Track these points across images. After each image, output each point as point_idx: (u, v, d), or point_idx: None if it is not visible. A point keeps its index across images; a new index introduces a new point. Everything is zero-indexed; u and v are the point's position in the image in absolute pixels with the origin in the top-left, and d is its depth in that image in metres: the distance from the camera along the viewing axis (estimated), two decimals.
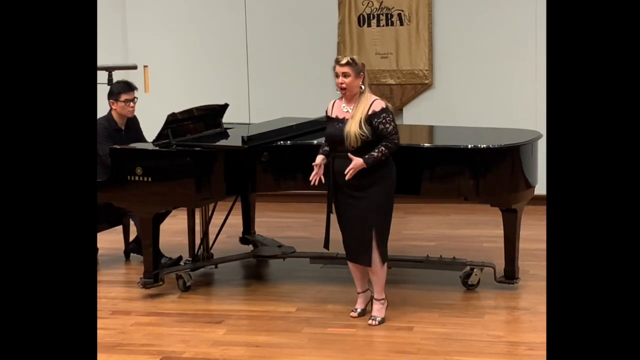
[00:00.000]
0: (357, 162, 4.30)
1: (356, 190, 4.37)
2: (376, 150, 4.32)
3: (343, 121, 4.39)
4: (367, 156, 4.31)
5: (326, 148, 4.53)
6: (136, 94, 5.58)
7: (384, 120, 4.34)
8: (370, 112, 4.34)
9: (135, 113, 5.79)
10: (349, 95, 4.40)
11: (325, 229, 4.58)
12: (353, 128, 4.30)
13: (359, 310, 4.62)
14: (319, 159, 4.51)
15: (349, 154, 4.32)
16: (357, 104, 4.38)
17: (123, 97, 5.48)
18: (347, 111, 4.40)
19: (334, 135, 4.41)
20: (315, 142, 4.91)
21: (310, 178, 4.51)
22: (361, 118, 4.32)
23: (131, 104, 5.52)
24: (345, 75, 4.36)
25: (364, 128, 4.30)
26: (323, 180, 4.49)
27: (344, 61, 4.39)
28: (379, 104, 4.37)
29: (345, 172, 4.31)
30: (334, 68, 4.41)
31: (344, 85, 4.37)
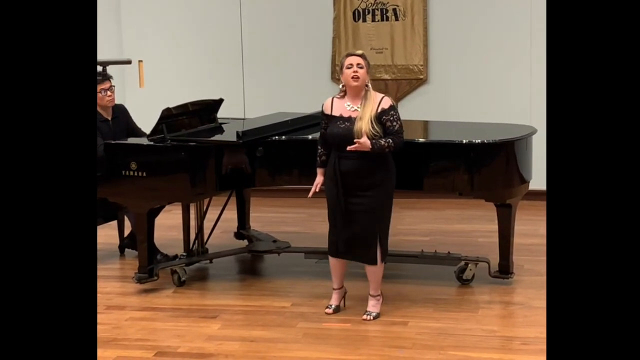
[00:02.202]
0: (366, 142, 4.23)
1: (363, 189, 4.35)
2: (384, 140, 4.29)
3: (349, 120, 4.34)
4: (374, 140, 4.27)
5: (323, 155, 4.49)
6: (112, 82, 5.54)
7: (392, 118, 4.33)
8: (379, 110, 4.32)
9: (130, 107, 5.78)
10: (359, 87, 4.35)
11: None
12: (365, 128, 4.26)
13: (333, 306, 4.62)
14: (320, 177, 4.51)
15: (364, 136, 4.24)
16: (364, 102, 4.34)
17: (98, 88, 5.45)
18: (355, 109, 4.36)
19: (342, 135, 4.33)
20: (310, 137, 4.90)
21: (309, 195, 4.52)
22: (371, 117, 4.29)
23: (108, 92, 5.48)
24: (359, 65, 4.32)
25: (375, 127, 4.28)
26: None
27: (359, 52, 4.39)
28: (387, 102, 4.37)
29: (352, 146, 4.24)
30: (344, 61, 4.35)
31: (357, 75, 4.30)
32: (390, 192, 4.45)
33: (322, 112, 4.50)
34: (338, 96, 4.47)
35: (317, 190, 4.53)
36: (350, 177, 4.35)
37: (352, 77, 4.32)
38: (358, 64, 4.32)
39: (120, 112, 5.64)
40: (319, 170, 4.53)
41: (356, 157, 4.32)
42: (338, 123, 4.38)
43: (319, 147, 4.53)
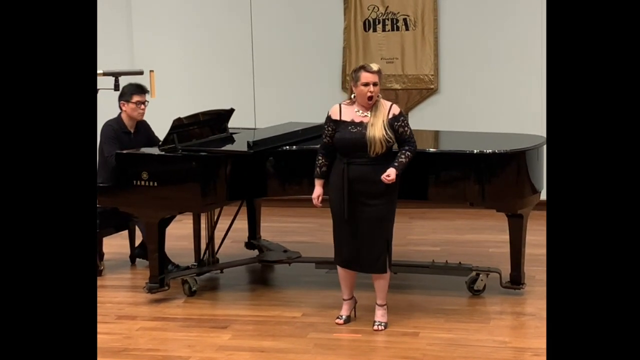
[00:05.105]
0: (391, 172, 4.27)
1: (372, 197, 4.34)
2: (403, 156, 4.34)
3: (361, 125, 4.34)
4: (396, 164, 4.31)
5: (324, 166, 4.46)
6: (147, 97, 5.59)
7: (403, 124, 4.37)
8: (391, 116, 4.34)
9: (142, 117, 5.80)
10: (372, 103, 4.37)
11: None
12: (378, 133, 4.27)
13: (344, 317, 4.61)
14: (319, 189, 4.48)
15: (383, 177, 4.26)
16: (375, 109, 4.35)
17: (135, 98, 5.50)
18: (365, 115, 4.37)
19: (353, 140, 4.32)
20: None
21: (315, 204, 4.51)
22: (384, 122, 4.30)
23: (142, 106, 5.54)
24: (375, 84, 4.32)
25: (389, 132, 4.29)
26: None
27: (375, 68, 4.35)
28: (397, 108, 4.41)
29: (384, 179, 4.26)
30: (360, 76, 4.32)
31: (373, 95, 4.32)
32: (395, 200, 4.44)
33: (328, 118, 4.46)
34: (345, 103, 4.47)
35: (320, 204, 4.50)
36: (359, 184, 4.34)
37: (368, 97, 4.33)
38: (374, 83, 4.32)
39: (143, 127, 5.66)
40: (318, 182, 4.50)
41: (366, 163, 4.32)
42: (349, 128, 4.37)
43: (320, 158, 4.49)
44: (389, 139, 4.29)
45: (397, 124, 4.34)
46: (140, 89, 5.54)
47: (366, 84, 4.32)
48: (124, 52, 7.68)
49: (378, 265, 4.42)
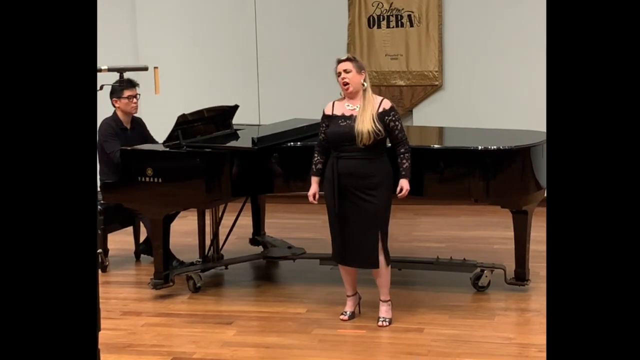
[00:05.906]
0: (404, 184, 4.37)
1: (364, 191, 4.36)
2: (405, 160, 4.39)
3: (350, 118, 4.38)
4: (403, 173, 4.38)
5: (319, 163, 4.50)
6: (138, 90, 5.61)
7: (394, 118, 4.40)
8: (381, 110, 4.37)
9: (146, 114, 5.82)
10: (353, 92, 4.40)
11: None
12: (366, 125, 4.30)
13: (348, 313, 4.61)
14: (315, 186, 4.51)
15: (398, 194, 4.36)
16: (363, 102, 4.39)
17: (126, 93, 5.53)
18: (354, 109, 4.40)
19: (342, 133, 4.37)
20: None
21: (311, 202, 4.53)
22: (372, 115, 4.33)
23: (134, 99, 5.57)
24: (346, 71, 4.38)
25: (378, 126, 4.31)
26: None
27: (343, 57, 4.44)
28: (388, 103, 4.44)
29: (400, 197, 4.37)
30: (335, 69, 4.43)
31: (346, 81, 4.37)
32: (390, 194, 4.44)
33: (323, 115, 4.52)
34: (338, 99, 4.50)
35: (315, 201, 4.52)
36: (349, 177, 4.35)
37: (343, 85, 4.40)
38: (345, 70, 4.37)
39: (138, 123, 5.71)
40: (314, 179, 4.53)
41: (355, 157, 4.34)
42: (339, 122, 4.41)
43: (316, 155, 4.53)
44: (377, 131, 4.30)
45: (387, 118, 4.37)
46: (130, 84, 5.56)
47: (339, 74, 4.40)
48: (127, 49, 7.68)
49: (371, 260, 4.42)
